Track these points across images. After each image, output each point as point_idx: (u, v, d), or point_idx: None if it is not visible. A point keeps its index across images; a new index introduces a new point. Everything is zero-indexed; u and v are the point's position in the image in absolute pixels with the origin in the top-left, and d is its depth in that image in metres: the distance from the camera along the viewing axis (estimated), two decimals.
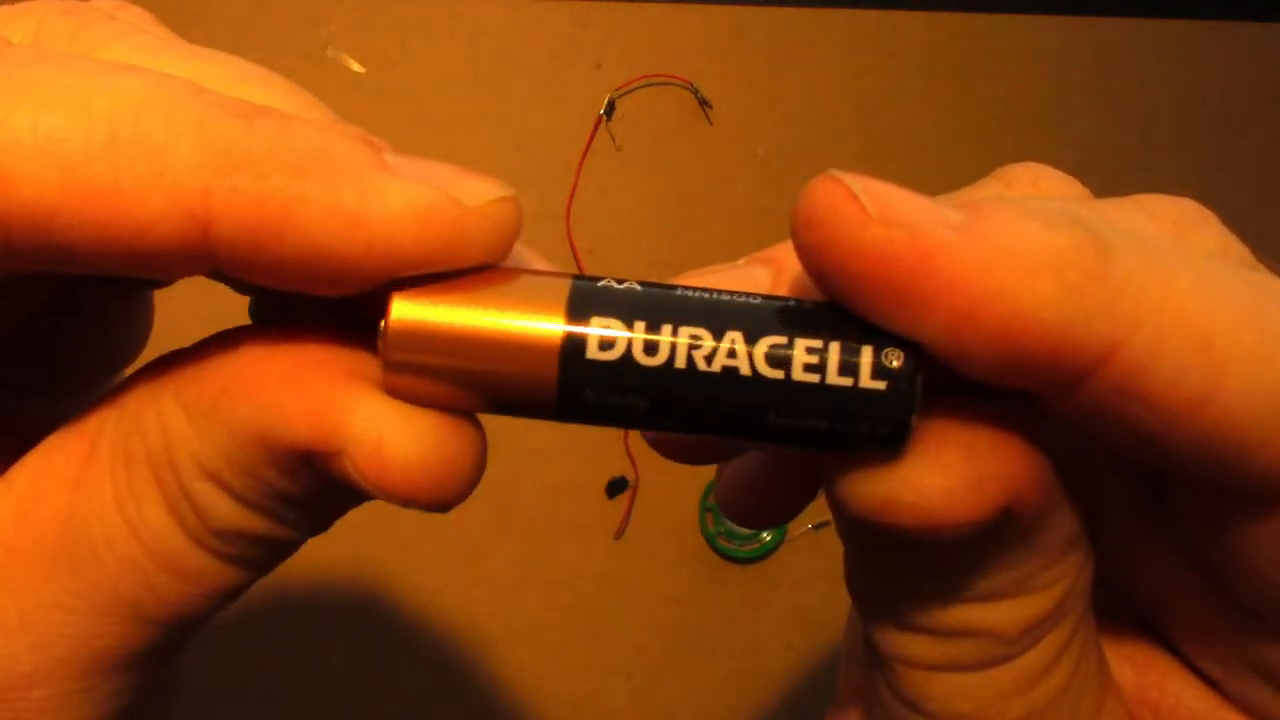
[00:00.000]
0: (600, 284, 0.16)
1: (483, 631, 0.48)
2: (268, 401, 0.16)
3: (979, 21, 0.57)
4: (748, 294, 0.16)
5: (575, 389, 0.16)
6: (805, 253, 0.15)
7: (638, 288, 0.16)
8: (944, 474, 0.15)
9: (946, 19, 0.57)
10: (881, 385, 0.15)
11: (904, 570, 0.17)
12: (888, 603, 0.18)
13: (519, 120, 0.52)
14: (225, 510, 0.17)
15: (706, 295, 0.16)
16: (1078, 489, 0.17)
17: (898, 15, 0.56)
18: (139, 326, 0.23)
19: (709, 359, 0.15)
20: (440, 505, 0.17)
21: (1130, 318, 0.14)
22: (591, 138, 0.52)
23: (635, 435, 0.50)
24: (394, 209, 0.15)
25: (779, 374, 0.15)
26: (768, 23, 0.55)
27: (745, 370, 0.15)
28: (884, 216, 0.14)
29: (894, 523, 0.15)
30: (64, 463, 0.17)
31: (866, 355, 0.15)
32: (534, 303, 0.16)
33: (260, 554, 0.18)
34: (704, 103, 0.54)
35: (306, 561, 0.47)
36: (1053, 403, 0.15)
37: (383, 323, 0.16)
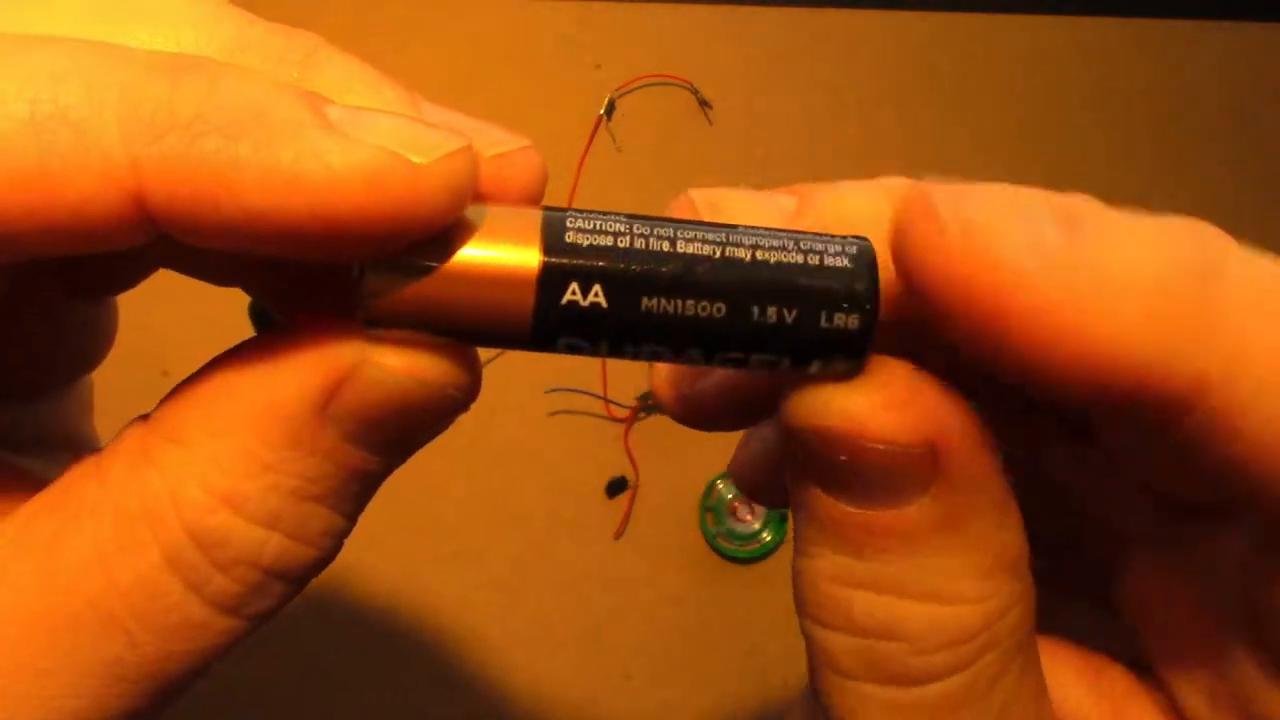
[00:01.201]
0: (571, 237, 0.16)
1: (482, 632, 0.48)
2: (267, 377, 0.16)
3: (979, 21, 0.57)
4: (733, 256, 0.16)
5: (551, 332, 0.16)
6: (894, 261, 0.15)
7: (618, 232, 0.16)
8: (879, 391, 0.16)
9: (946, 19, 0.57)
10: (825, 377, 0.16)
11: (830, 530, 0.17)
12: (813, 585, 0.18)
13: (519, 120, 0.52)
14: (243, 533, 0.16)
15: (680, 264, 0.16)
16: (1034, 518, 0.17)
17: (898, 15, 0.56)
18: (103, 328, 0.23)
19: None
20: (468, 386, 0.17)
21: (1231, 354, 0.13)
22: (591, 138, 0.52)
23: (635, 435, 0.50)
24: (337, 171, 0.14)
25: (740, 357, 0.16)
26: (768, 23, 0.55)
27: (700, 362, 0.17)
28: (965, 239, 0.14)
29: (822, 426, 0.16)
30: (40, 526, 0.17)
31: (815, 367, 0.16)
32: (507, 249, 0.16)
33: (268, 589, 0.17)
34: (704, 103, 0.54)
35: None
36: (1128, 429, 0.15)
37: (356, 292, 0.16)
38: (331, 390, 0.16)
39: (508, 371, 0.51)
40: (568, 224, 0.16)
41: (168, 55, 0.15)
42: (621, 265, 0.16)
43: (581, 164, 0.52)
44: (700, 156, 0.54)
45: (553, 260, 0.16)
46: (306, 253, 0.15)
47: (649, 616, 0.49)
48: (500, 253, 0.16)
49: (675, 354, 0.16)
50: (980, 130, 0.56)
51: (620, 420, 0.50)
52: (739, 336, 0.16)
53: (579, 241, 0.16)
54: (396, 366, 0.16)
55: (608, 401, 0.50)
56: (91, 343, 0.23)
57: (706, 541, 0.50)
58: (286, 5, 0.51)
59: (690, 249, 0.16)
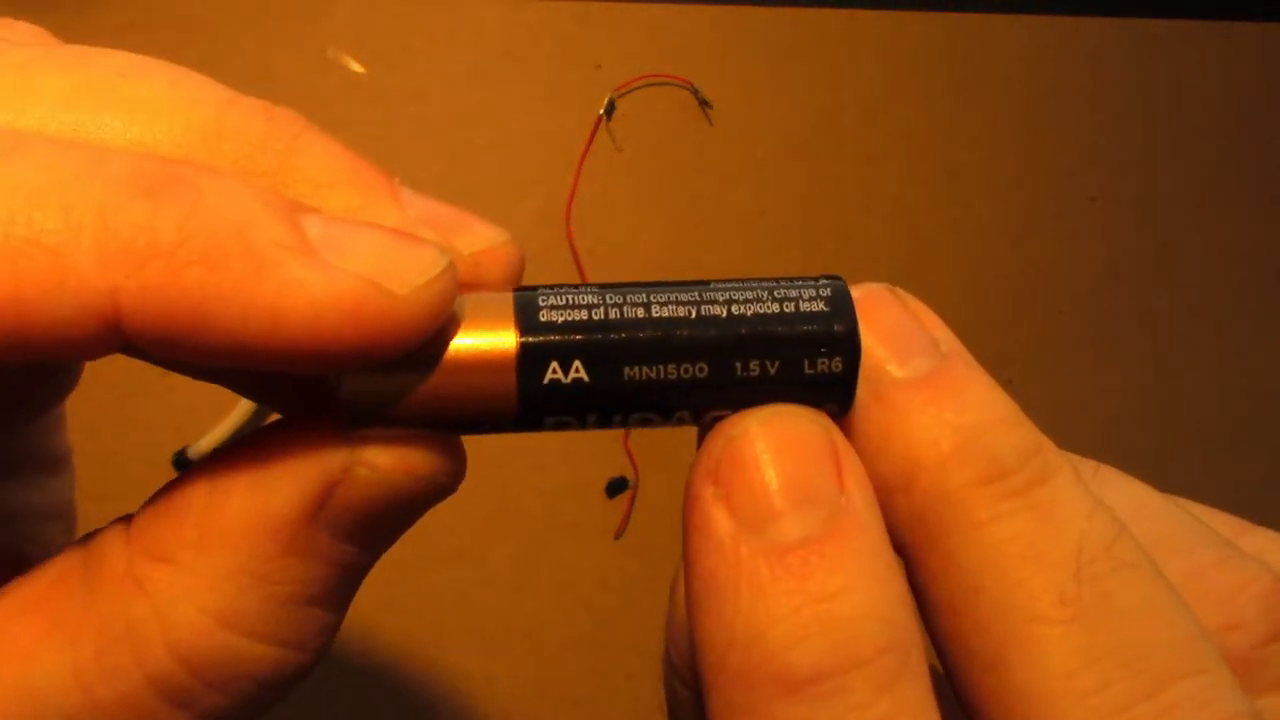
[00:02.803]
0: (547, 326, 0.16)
1: (483, 631, 0.48)
2: (256, 488, 0.15)
3: (979, 21, 0.57)
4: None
5: (537, 414, 0.16)
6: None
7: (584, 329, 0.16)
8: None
9: (946, 19, 0.57)
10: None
11: None
12: None
13: (519, 120, 0.52)
14: (239, 650, 0.16)
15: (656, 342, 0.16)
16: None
17: (898, 15, 0.56)
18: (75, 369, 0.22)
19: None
20: (454, 474, 0.17)
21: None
22: (591, 138, 0.52)
23: (635, 435, 0.50)
24: (319, 302, 0.14)
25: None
26: (768, 23, 0.55)
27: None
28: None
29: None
30: (16, 636, 0.16)
31: None
32: (484, 336, 0.16)
33: (260, 698, 0.17)
34: (704, 103, 0.54)
35: None
36: None
37: (338, 396, 0.16)
38: (324, 496, 0.16)
39: None
40: (540, 303, 0.16)
41: (148, 163, 0.14)
42: (599, 337, 0.16)
43: (581, 164, 0.52)
44: (700, 156, 0.54)
45: (530, 341, 0.16)
46: (283, 369, 0.15)
47: (649, 616, 0.49)
48: (477, 340, 0.16)
49: (665, 418, 0.16)
50: (980, 130, 0.56)
51: None
52: (725, 394, 0.16)
53: (554, 319, 0.16)
54: (386, 465, 0.16)
55: None
56: (64, 378, 0.22)
57: None
58: (289, 5, 0.51)
59: (665, 312, 0.16)
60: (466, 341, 0.16)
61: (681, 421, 0.17)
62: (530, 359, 0.16)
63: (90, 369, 0.23)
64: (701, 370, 0.16)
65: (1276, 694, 0.17)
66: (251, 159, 0.16)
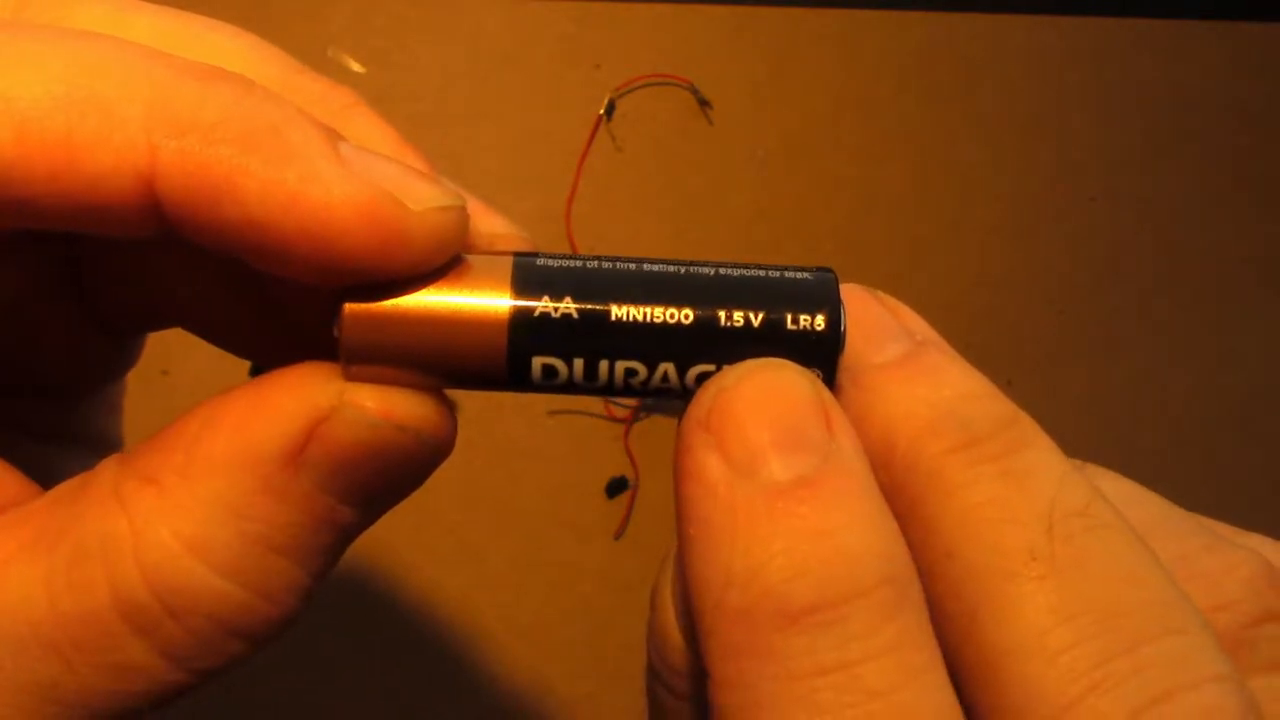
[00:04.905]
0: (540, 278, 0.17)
1: (483, 631, 0.48)
2: (244, 421, 0.16)
3: (979, 21, 0.57)
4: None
5: (525, 348, 0.17)
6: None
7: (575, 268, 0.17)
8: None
9: (946, 19, 0.57)
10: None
11: None
12: None
13: (519, 120, 0.52)
14: (203, 581, 0.16)
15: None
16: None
17: (898, 15, 0.56)
18: (129, 344, 0.23)
19: (645, 383, 0.17)
20: (445, 437, 0.17)
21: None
22: (591, 138, 0.52)
23: (635, 435, 0.50)
24: (334, 197, 0.15)
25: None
26: (768, 23, 0.55)
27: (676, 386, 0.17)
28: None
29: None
30: (2, 544, 0.17)
31: None
32: (479, 293, 0.16)
33: (220, 645, 0.17)
34: (704, 103, 0.54)
35: None
36: None
37: (336, 330, 0.16)
38: (307, 433, 0.16)
39: None
40: (539, 255, 0.17)
41: (206, 64, 0.16)
42: (590, 277, 0.16)
43: (581, 164, 0.52)
44: (700, 156, 0.54)
45: (522, 262, 0.17)
46: (294, 271, 0.16)
47: (649, 616, 0.49)
48: (474, 277, 0.16)
49: (650, 371, 0.17)
50: (980, 130, 0.56)
51: (620, 420, 0.50)
52: (708, 344, 0.16)
53: (549, 264, 0.17)
54: (373, 408, 0.16)
55: (608, 401, 0.50)
56: (117, 355, 0.23)
57: None
58: (289, 5, 0.51)
59: (655, 268, 0.17)
60: (464, 281, 0.16)
61: (668, 384, 0.17)
62: (522, 278, 0.16)
63: None
64: (687, 316, 0.16)
65: (1266, 675, 0.16)
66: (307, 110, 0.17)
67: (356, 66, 0.52)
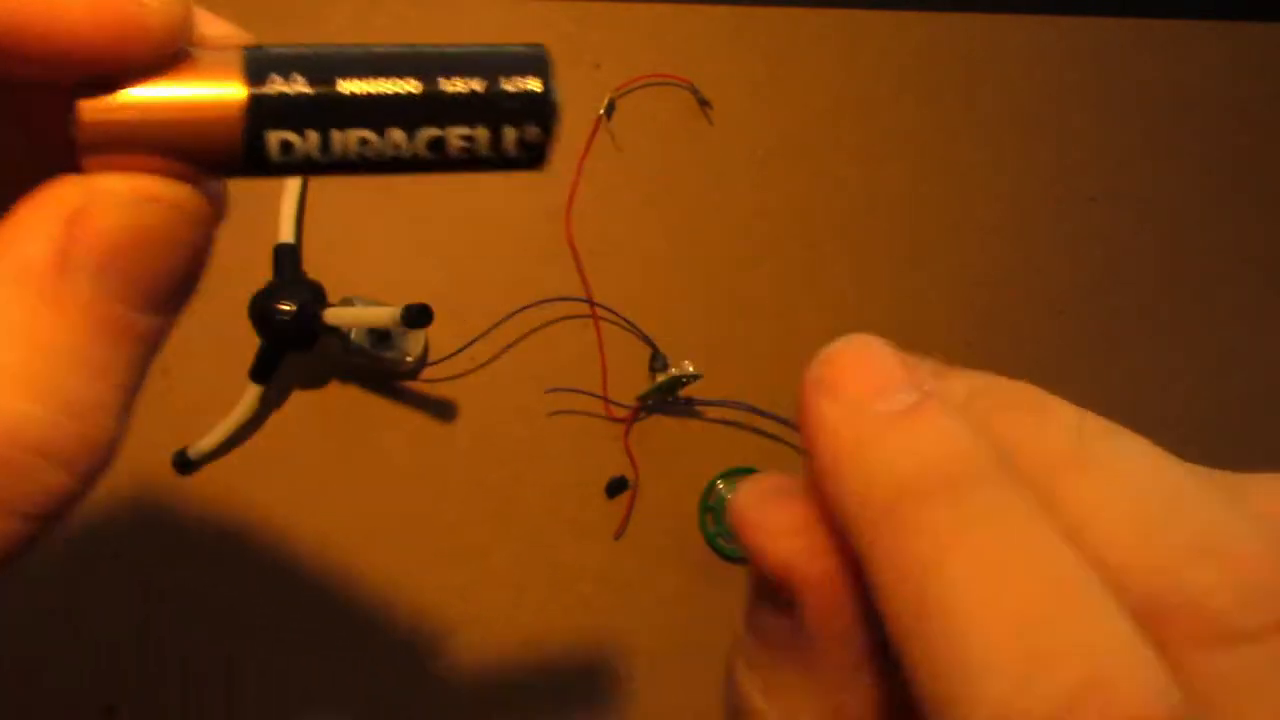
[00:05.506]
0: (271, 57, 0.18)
1: (483, 631, 0.48)
2: (6, 237, 0.16)
3: (979, 21, 0.57)
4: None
5: (259, 124, 0.17)
6: None
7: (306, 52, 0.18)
8: (769, 508, 0.18)
9: (946, 19, 0.57)
10: (523, 156, 0.19)
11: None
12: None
13: None
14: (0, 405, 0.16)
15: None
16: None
17: (898, 15, 0.56)
18: None
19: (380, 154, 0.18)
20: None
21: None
22: (591, 138, 0.52)
23: (635, 435, 0.50)
24: None
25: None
26: (768, 23, 0.55)
27: (407, 155, 0.18)
28: None
29: (732, 504, 0.18)
30: None
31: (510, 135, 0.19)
32: (212, 78, 0.17)
33: (35, 472, 0.16)
34: (704, 103, 0.54)
35: (304, 560, 0.47)
36: None
37: (72, 129, 0.17)
38: (67, 233, 0.16)
39: (508, 371, 0.51)
40: (269, 46, 0.18)
41: None
42: (318, 57, 0.18)
43: (581, 164, 0.52)
44: (700, 156, 0.54)
45: (254, 51, 0.18)
46: (29, 69, 0.16)
47: (649, 616, 0.50)
48: (206, 66, 0.17)
49: (381, 138, 0.18)
50: (980, 130, 0.56)
51: (620, 420, 0.50)
52: (433, 110, 0.18)
53: (279, 51, 0.18)
54: (123, 189, 0.17)
55: (608, 401, 0.50)
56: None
57: (706, 541, 0.50)
58: (289, 5, 0.51)
59: (381, 49, 0.18)
60: (196, 68, 0.17)
61: (398, 149, 0.18)
62: (254, 64, 0.17)
63: None
64: (414, 86, 0.18)
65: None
66: None
67: None
